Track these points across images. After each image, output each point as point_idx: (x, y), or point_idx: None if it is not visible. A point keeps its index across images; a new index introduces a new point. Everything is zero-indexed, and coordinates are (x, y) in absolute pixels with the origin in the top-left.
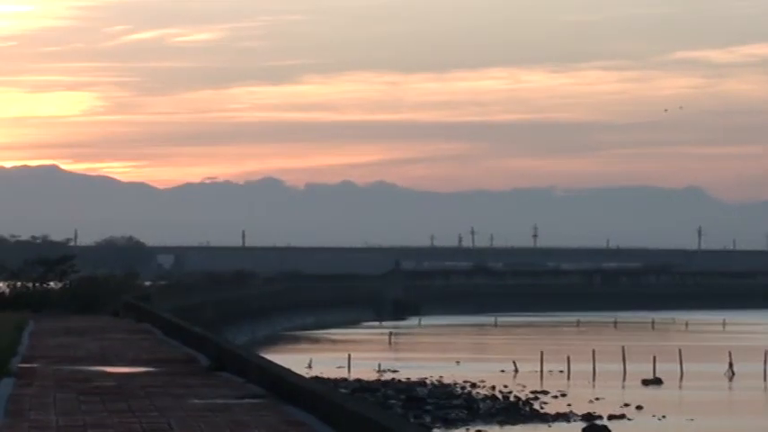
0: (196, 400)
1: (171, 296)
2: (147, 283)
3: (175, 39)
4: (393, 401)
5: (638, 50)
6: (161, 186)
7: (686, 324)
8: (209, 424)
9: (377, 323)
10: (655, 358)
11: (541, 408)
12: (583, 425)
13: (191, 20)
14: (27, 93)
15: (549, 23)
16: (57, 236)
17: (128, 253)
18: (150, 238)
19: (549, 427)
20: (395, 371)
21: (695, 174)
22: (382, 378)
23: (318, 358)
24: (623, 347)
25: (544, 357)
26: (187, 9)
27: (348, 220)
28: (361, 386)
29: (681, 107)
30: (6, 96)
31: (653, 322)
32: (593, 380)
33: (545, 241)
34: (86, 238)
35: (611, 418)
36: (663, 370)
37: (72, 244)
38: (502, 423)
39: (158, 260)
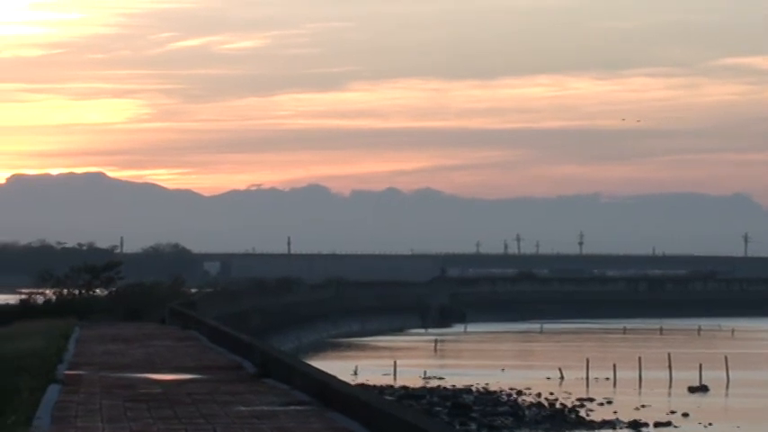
0: (242, 407)
1: (217, 303)
2: (193, 290)
3: (221, 46)
4: (439, 408)
5: (685, 57)
6: (206, 194)
7: (732, 331)
8: (255, 431)
9: (422, 330)
10: (701, 365)
11: (587, 415)
12: None
13: (236, 27)
14: (73, 100)
15: (595, 31)
16: (103, 243)
17: (173, 260)
18: (196, 246)
19: None
20: (440, 378)
21: (741, 181)
22: (428, 385)
23: (364, 365)
24: (669, 354)
25: (590, 364)
26: (233, 16)
27: (393, 227)
28: (406, 393)
29: (638, 120)
30: (53, 104)
31: (699, 329)
32: (640, 387)
33: (591, 248)
34: (132, 246)
35: (657, 425)
36: (709, 377)
37: (118, 251)
38: (548, 430)
39: (204, 267)
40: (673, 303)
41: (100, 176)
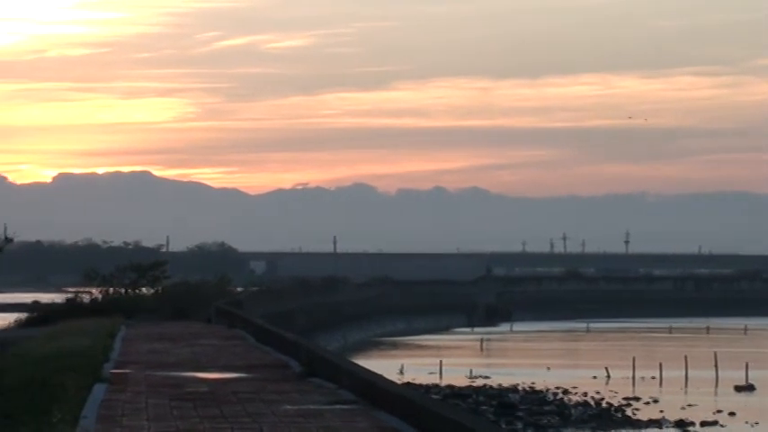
0: (288, 406)
1: (262, 302)
2: (239, 289)
3: (267, 45)
4: (485, 407)
5: (731, 56)
6: (252, 192)
7: None
8: (301, 430)
9: (468, 329)
10: (747, 365)
11: (634, 414)
12: (675, 431)
13: (282, 26)
14: (119, 99)
15: (641, 29)
16: (149, 242)
17: (219, 259)
18: (242, 244)
19: None
20: (487, 377)
21: None
22: (474, 384)
23: (410, 364)
24: (715, 354)
25: (636, 364)
26: (278, 15)
27: (440, 226)
28: (452, 392)
29: (645, 119)
30: (99, 103)
31: (745, 328)
32: (686, 386)
33: (637, 247)
34: (178, 245)
35: (703, 424)
36: (756, 376)
37: (164, 250)
38: (594, 429)
39: (250, 266)
40: (719, 302)
41: (146, 175)
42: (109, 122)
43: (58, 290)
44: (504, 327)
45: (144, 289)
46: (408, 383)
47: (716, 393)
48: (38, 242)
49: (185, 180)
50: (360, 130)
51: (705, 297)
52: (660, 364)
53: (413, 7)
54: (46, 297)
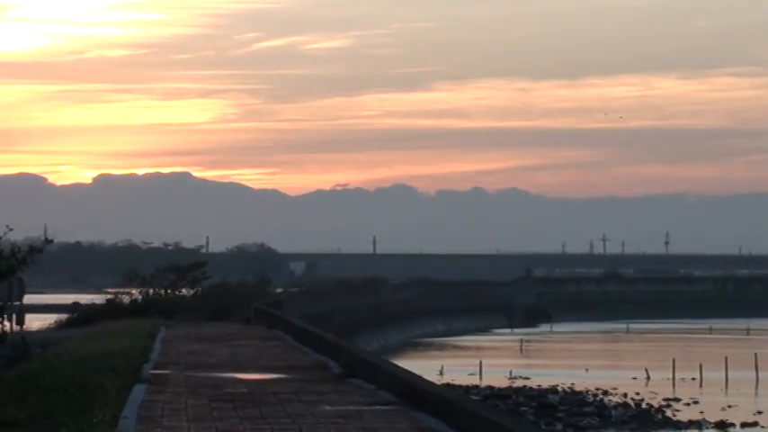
0: (327, 407)
1: (302, 303)
2: (279, 290)
3: (306, 46)
4: (524, 408)
5: None
6: (292, 193)
7: None
8: (341, 430)
9: (508, 330)
10: None
11: (674, 415)
12: None
13: (321, 27)
14: (159, 100)
15: (681, 30)
16: (188, 243)
17: (259, 260)
18: (281, 245)
19: None
20: (526, 378)
21: None
22: (514, 385)
23: (449, 365)
24: (756, 355)
25: (676, 365)
26: (318, 16)
27: (479, 227)
28: (492, 393)
29: (621, 117)
30: (139, 104)
31: None
32: (726, 387)
33: (677, 248)
34: (218, 245)
35: (743, 425)
36: None
37: (204, 251)
38: (634, 430)
39: (290, 267)
40: (760, 303)
41: (186, 176)
42: (148, 123)
43: (98, 291)
44: (544, 327)
45: (184, 290)
46: (448, 384)
47: (756, 394)
48: (78, 243)
49: (225, 181)
50: (399, 130)
51: (745, 298)
52: (700, 365)
53: (452, 8)
54: (86, 298)
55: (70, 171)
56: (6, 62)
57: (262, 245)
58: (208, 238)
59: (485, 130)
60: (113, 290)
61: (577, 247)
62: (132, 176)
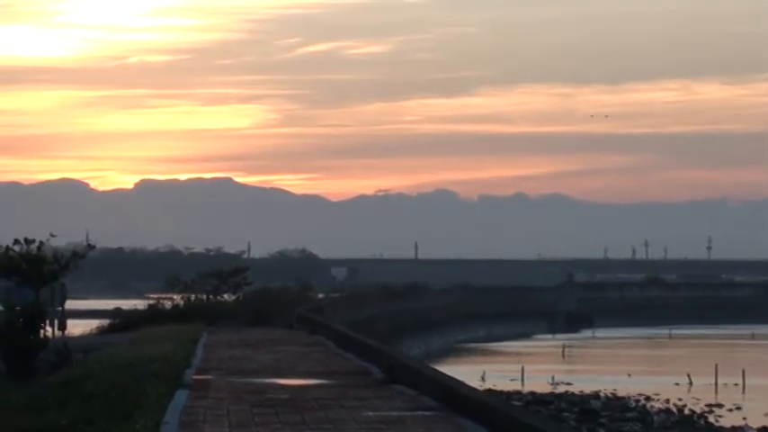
0: (369, 413)
1: (343, 308)
2: (321, 296)
3: (348, 51)
4: (566, 414)
5: None
6: (334, 199)
7: None
8: None
9: (550, 335)
10: None
11: (716, 421)
12: None
13: (363, 32)
14: (200, 105)
15: (722, 35)
16: (230, 248)
17: (301, 265)
18: (323, 251)
19: None
20: (568, 383)
21: None
22: (556, 390)
23: (491, 371)
24: None
25: (719, 370)
26: (360, 22)
27: (521, 232)
28: (534, 399)
29: (606, 116)
30: (180, 109)
31: None
32: None
33: (719, 253)
34: (260, 251)
35: None
36: None
37: (245, 256)
38: None
39: (331, 272)
40: None
41: (227, 181)
42: (190, 129)
43: (140, 296)
44: (586, 333)
45: (225, 295)
46: (490, 390)
47: None
48: (120, 249)
49: (267, 186)
50: (441, 136)
51: None
52: (743, 371)
53: (494, 13)
54: (128, 304)
55: (112, 176)
56: (49, 68)
57: (303, 250)
58: (249, 243)
59: (527, 136)
60: (155, 295)
61: (619, 252)
62: (174, 182)
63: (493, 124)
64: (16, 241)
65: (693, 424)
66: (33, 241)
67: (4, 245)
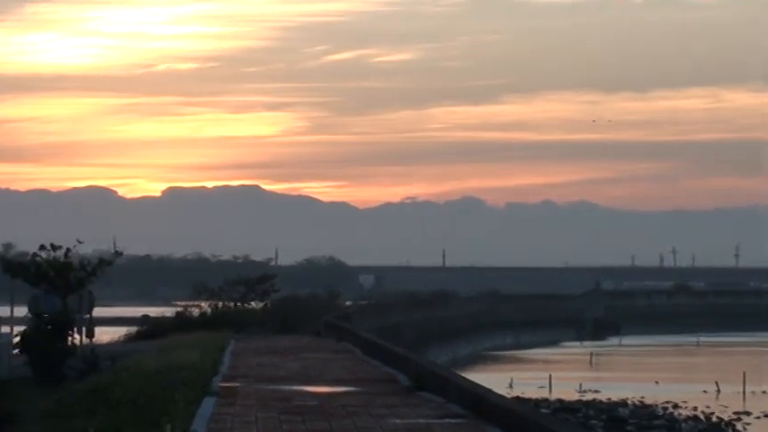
0: (397, 420)
1: (371, 316)
2: (348, 303)
3: (375, 59)
4: (594, 422)
5: None
6: (361, 206)
7: None
8: None
9: (577, 343)
10: None
11: (744, 429)
12: None
13: (390, 40)
14: (228, 113)
15: (750, 42)
16: (258, 256)
17: (328, 273)
18: (351, 258)
19: None
20: (596, 391)
21: None
22: (583, 398)
23: (519, 378)
24: None
25: (747, 378)
26: (387, 29)
27: (548, 240)
28: (562, 406)
29: (609, 120)
30: (208, 117)
31: None
32: None
33: (747, 261)
34: (287, 258)
35: None
36: None
37: (273, 264)
38: None
39: (359, 280)
40: None
41: (255, 189)
42: (218, 136)
43: (168, 304)
44: (614, 341)
45: (253, 303)
46: (518, 397)
47: None
48: (147, 256)
49: (294, 194)
50: (468, 143)
51: None
52: None
53: (521, 21)
54: (155, 311)
55: (140, 184)
56: (77, 75)
57: (331, 258)
58: (277, 250)
59: (554, 143)
60: (183, 303)
61: (647, 260)
62: (202, 189)
63: (520, 132)
64: (42, 247)
65: (721, 431)
66: (60, 247)
67: (32, 252)
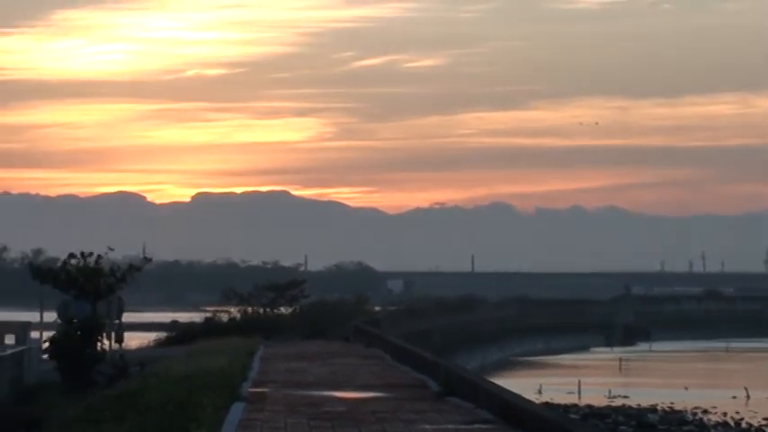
0: (426, 426)
1: (400, 321)
2: (377, 308)
3: (403, 64)
4: (624, 427)
5: None
6: (390, 212)
7: None
8: None
9: (607, 349)
10: None
11: None
12: None
13: (418, 45)
14: (257, 119)
15: None
16: (287, 261)
17: (357, 278)
18: (380, 264)
19: None
20: (625, 396)
21: None
22: (613, 404)
23: (548, 384)
24: None
25: None
26: (415, 35)
27: (578, 245)
28: (591, 412)
29: (597, 122)
30: (236, 123)
31: None
32: None
33: None
34: (316, 264)
35: None
36: None
37: (302, 269)
38: None
39: (388, 285)
40: None
41: (284, 195)
42: (246, 142)
43: (197, 309)
44: (643, 346)
45: (282, 308)
46: (547, 403)
47: None
48: (176, 262)
49: (323, 199)
50: (497, 149)
51: None
52: None
53: (551, 26)
54: (184, 316)
55: (169, 189)
56: (105, 81)
57: (360, 263)
58: (306, 256)
59: (583, 148)
60: (212, 308)
61: (677, 265)
62: (231, 195)
63: (549, 137)
64: (72, 255)
65: None
66: (91, 255)
67: (62, 258)
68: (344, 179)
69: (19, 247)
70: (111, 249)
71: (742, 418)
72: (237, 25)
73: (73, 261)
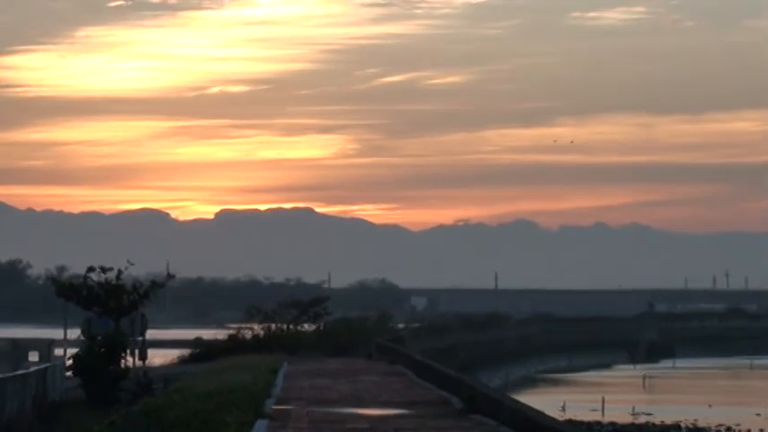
0: None
1: (423, 338)
2: (401, 326)
3: (427, 81)
4: None
5: None
6: (414, 229)
7: None
8: None
9: (631, 366)
10: None
11: None
12: None
13: (442, 62)
14: (280, 136)
15: None
16: (310, 278)
17: (381, 295)
18: (403, 281)
19: None
20: (649, 414)
21: None
22: (636, 421)
23: (572, 401)
24: None
25: None
26: (438, 52)
27: (601, 263)
28: (615, 429)
29: (571, 141)
30: (260, 140)
31: None
32: None
33: None
34: (340, 281)
35: None
36: None
37: (326, 286)
38: None
39: (411, 302)
40: None
41: (307, 211)
42: (270, 159)
43: (220, 326)
44: (667, 363)
45: (305, 325)
46: (570, 420)
47: None
48: (200, 278)
49: (347, 216)
50: (521, 165)
51: None
52: None
53: (573, 43)
54: (208, 333)
55: (192, 206)
56: (130, 98)
57: (383, 280)
58: (329, 273)
59: (607, 165)
60: (235, 325)
61: (700, 282)
62: (254, 212)
63: (573, 154)
64: (91, 269)
65: None
66: (111, 269)
67: (83, 275)
68: (368, 196)
69: (42, 264)
70: (132, 264)
71: None
72: (261, 42)
73: (92, 275)
